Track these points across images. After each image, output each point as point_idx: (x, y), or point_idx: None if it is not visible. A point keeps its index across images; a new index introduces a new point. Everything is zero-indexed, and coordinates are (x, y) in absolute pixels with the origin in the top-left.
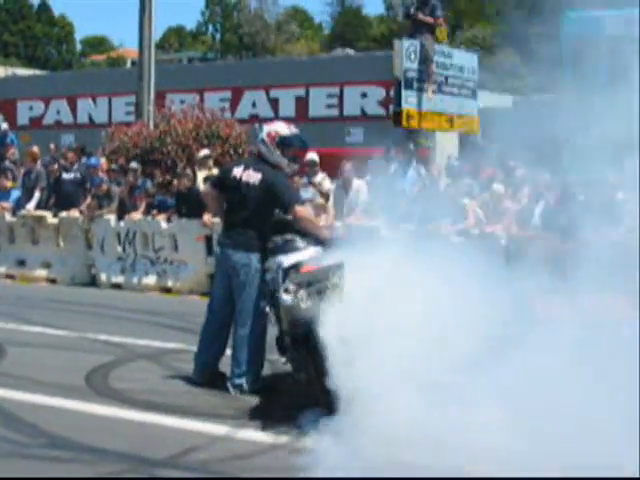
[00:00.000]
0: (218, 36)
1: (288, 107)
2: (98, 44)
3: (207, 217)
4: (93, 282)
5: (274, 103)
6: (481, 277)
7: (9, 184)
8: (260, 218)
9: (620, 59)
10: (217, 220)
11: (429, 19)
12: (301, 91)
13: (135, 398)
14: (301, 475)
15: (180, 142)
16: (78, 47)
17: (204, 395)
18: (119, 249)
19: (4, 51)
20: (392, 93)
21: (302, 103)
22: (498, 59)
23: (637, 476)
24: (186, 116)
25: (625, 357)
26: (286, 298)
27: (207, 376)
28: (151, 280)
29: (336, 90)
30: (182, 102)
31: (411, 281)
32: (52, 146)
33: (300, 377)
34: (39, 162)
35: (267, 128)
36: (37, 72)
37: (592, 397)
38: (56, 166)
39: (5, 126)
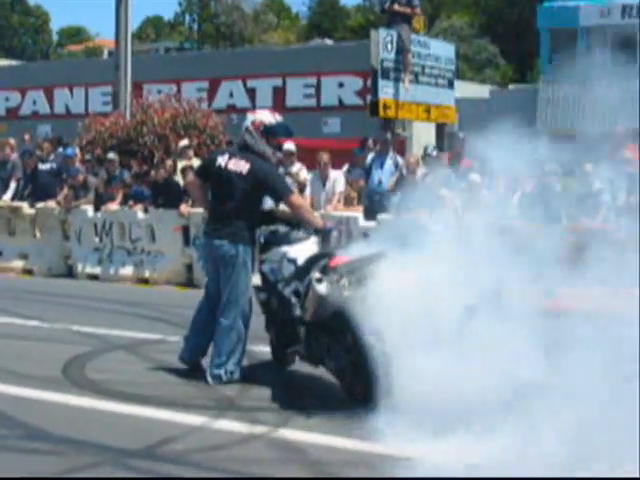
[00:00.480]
0: (195, 26)
1: (265, 97)
2: (75, 34)
3: (184, 207)
4: (70, 273)
5: (251, 93)
6: None
7: None
8: (248, 208)
9: (595, 49)
10: (194, 210)
11: (406, 10)
12: (278, 81)
13: (112, 389)
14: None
15: (157, 132)
16: (55, 37)
17: (181, 386)
18: (96, 240)
19: None
20: (369, 83)
21: (279, 93)
22: (475, 49)
23: (637, 476)
24: (163, 106)
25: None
26: (320, 287)
27: (195, 359)
28: (128, 271)
29: (313, 80)
30: (159, 92)
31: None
32: (27, 137)
33: (329, 367)
34: (15, 153)
35: (252, 116)
36: (13, 62)
37: None
38: (32, 157)
39: None
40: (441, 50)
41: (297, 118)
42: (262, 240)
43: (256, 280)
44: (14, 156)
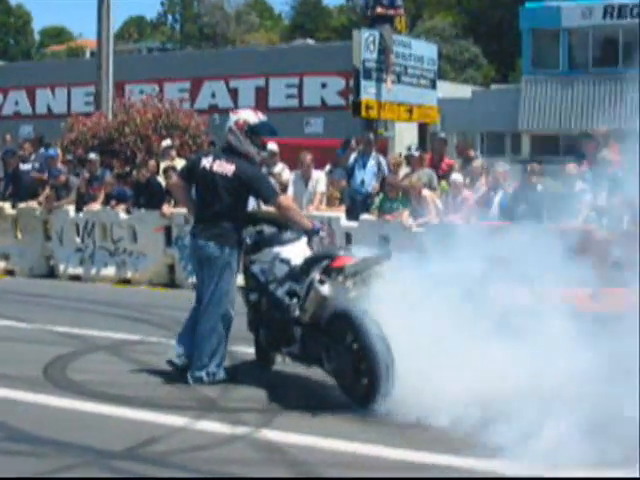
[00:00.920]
0: (178, 26)
1: (248, 97)
2: (57, 34)
3: (166, 208)
4: (52, 273)
5: (233, 93)
6: None
7: None
8: (234, 210)
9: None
10: (176, 211)
11: (389, 11)
12: (261, 81)
13: (93, 390)
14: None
15: (139, 132)
16: (37, 37)
17: (163, 386)
18: (78, 240)
19: None
20: (352, 83)
21: (262, 93)
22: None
23: (637, 476)
24: (145, 106)
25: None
26: (323, 289)
27: (187, 360)
28: (110, 271)
29: (296, 80)
30: (141, 92)
31: None
32: (8, 137)
33: (327, 368)
34: None
35: (235, 116)
36: None
37: None
38: (14, 157)
39: None
40: (423, 50)
41: (280, 118)
42: (249, 241)
43: (239, 281)
44: None
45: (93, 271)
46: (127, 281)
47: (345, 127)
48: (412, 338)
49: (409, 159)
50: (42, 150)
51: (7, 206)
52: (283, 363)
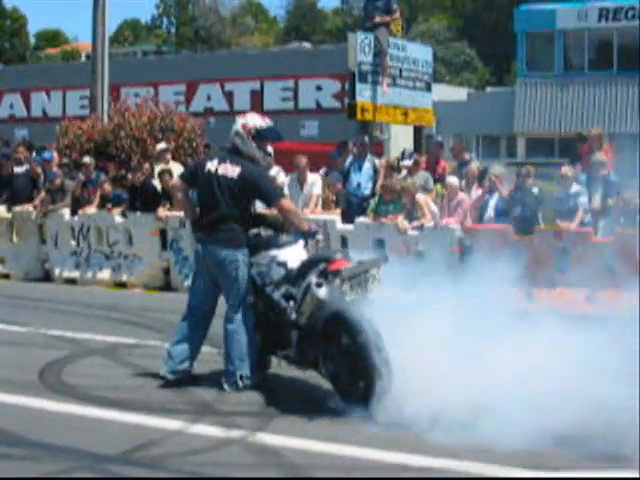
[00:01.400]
0: (173, 29)
1: (243, 100)
2: (52, 38)
3: (161, 211)
4: (47, 277)
5: (229, 96)
6: None
7: None
8: (241, 212)
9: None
10: (172, 214)
11: (386, 18)
12: (256, 84)
13: (89, 394)
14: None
15: (134, 136)
16: (32, 41)
17: (158, 390)
18: (73, 244)
19: None
20: (347, 86)
21: (257, 96)
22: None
23: (637, 476)
24: (140, 110)
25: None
26: (320, 292)
27: (180, 374)
28: (105, 275)
29: (291, 83)
30: (137, 95)
31: None
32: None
33: (323, 371)
34: None
35: (242, 120)
36: None
37: None
38: (10, 160)
39: None
40: (419, 53)
41: (275, 121)
42: None
43: None
44: None
45: (88, 274)
46: (122, 284)
47: (340, 130)
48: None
49: (402, 167)
50: (34, 155)
51: (2, 210)
52: (278, 367)
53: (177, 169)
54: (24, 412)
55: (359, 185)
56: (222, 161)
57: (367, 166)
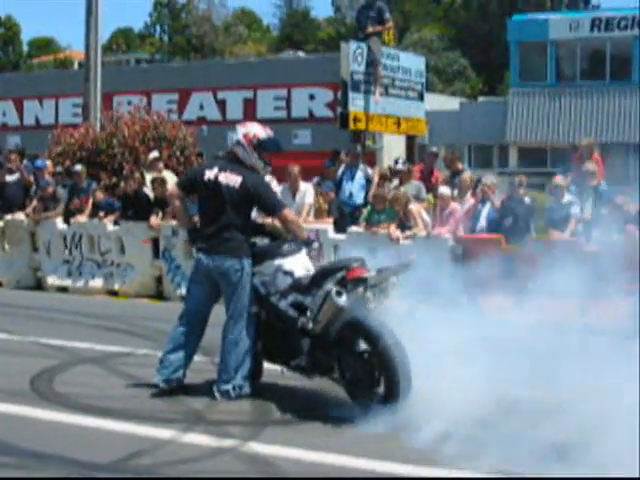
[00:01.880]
0: (166, 38)
1: (236, 109)
2: (45, 45)
3: (154, 220)
4: (39, 285)
5: (221, 105)
6: None
7: None
8: (242, 221)
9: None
10: (164, 223)
11: (378, 28)
12: (249, 93)
13: (80, 402)
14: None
15: (126, 144)
16: (25, 48)
17: (150, 399)
18: (65, 252)
19: None
20: (340, 95)
21: (250, 105)
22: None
23: (637, 476)
24: (133, 118)
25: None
26: (340, 300)
27: (174, 383)
28: (97, 283)
29: (284, 92)
30: (129, 104)
31: None
32: None
33: (339, 378)
34: None
35: (243, 129)
36: None
37: None
38: (2, 169)
39: None
40: (411, 62)
41: None
42: None
43: None
44: None
45: (80, 283)
46: (114, 293)
47: (333, 139)
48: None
49: (395, 172)
50: (26, 162)
51: None
52: (272, 375)
53: (170, 177)
54: (15, 421)
55: (351, 194)
56: (222, 170)
57: (359, 175)
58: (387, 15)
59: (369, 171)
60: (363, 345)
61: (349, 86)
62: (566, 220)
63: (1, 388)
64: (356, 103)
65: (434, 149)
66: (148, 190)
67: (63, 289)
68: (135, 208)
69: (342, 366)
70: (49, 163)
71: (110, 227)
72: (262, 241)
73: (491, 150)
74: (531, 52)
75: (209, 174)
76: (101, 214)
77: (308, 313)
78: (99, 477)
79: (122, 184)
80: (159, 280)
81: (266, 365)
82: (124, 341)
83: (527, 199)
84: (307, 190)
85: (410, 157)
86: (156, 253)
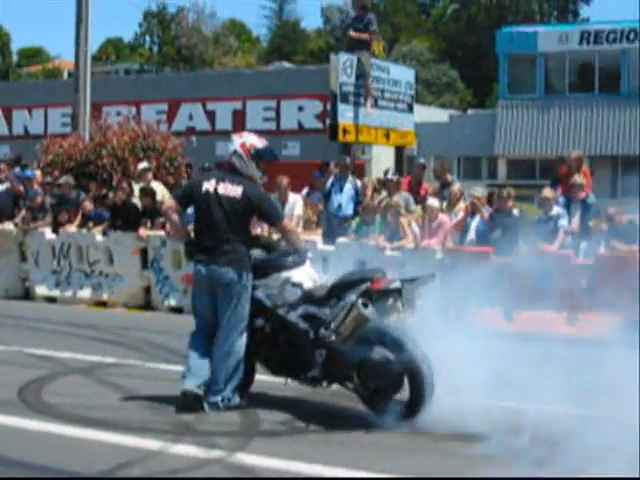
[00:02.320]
0: (155, 48)
1: (225, 120)
2: (34, 55)
3: (142, 230)
4: (27, 295)
5: (211, 116)
6: None
7: None
8: (243, 232)
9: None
10: (152, 233)
11: (364, 35)
12: (238, 104)
13: (69, 413)
14: None
15: (116, 155)
16: (14, 58)
17: (138, 410)
18: (54, 262)
19: None
20: (329, 107)
21: (239, 116)
22: (435, 74)
23: (637, 476)
24: (122, 128)
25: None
26: (367, 311)
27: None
28: (86, 293)
29: (273, 103)
30: (118, 114)
31: None
32: None
33: (355, 388)
34: None
35: (240, 139)
36: None
37: None
38: None
39: None
40: (401, 74)
41: None
42: None
43: None
44: None
45: (69, 293)
46: (103, 303)
47: (322, 150)
48: None
49: (384, 183)
50: (17, 170)
51: None
52: (255, 387)
53: (158, 188)
54: (3, 431)
55: (340, 206)
56: (221, 180)
57: (348, 187)
58: (374, 27)
59: (358, 183)
60: (388, 355)
61: (338, 98)
62: (554, 232)
63: None
64: (345, 115)
65: (422, 160)
66: (137, 200)
67: (51, 299)
68: (124, 218)
69: (361, 376)
70: (38, 173)
71: (99, 237)
72: (259, 253)
73: (480, 162)
74: (520, 64)
75: (207, 185)
76: (90, 224)
77: (301, 324)
78: None
79: (111, 194)
80: (147, 290)
81: (257, 375)
82: (112, 351)
83: (516, 211)
84: (296, 201)
85: (399, 169)
86: (145, 264)
